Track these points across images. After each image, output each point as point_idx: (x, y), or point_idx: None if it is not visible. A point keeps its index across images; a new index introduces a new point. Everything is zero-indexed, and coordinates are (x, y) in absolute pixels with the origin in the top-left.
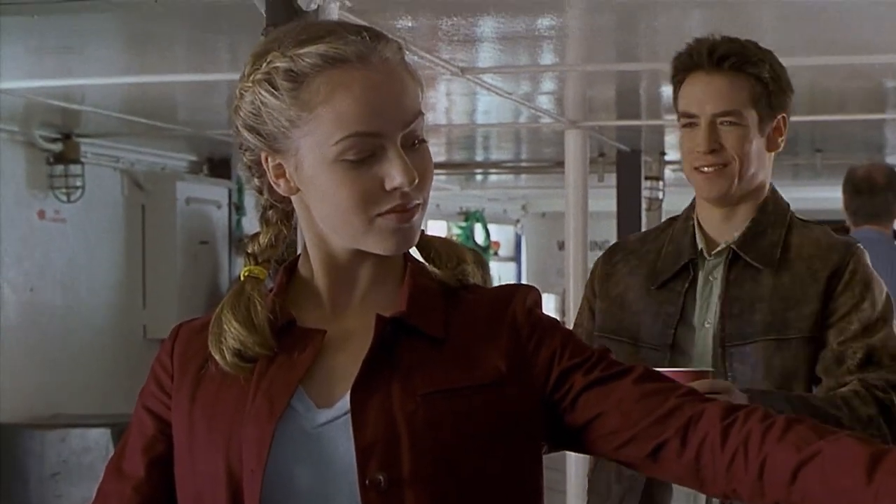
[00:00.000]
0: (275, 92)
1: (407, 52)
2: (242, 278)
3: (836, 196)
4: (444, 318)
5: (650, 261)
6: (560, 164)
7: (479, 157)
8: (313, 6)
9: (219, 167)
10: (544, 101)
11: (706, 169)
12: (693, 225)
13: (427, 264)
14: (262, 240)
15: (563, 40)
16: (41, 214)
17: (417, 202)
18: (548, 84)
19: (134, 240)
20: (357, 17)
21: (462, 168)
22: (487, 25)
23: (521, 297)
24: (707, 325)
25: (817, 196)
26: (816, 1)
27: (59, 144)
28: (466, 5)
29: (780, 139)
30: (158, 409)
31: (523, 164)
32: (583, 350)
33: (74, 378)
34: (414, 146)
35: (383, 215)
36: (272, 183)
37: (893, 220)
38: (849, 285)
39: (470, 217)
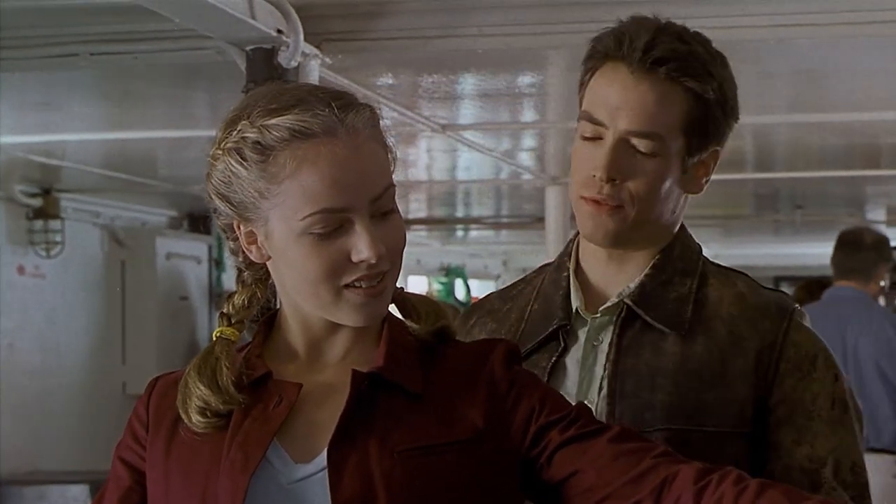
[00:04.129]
0: (244, 163)
1: (385, 111)
2: (214, 339)
3: (817, 252)
4: (422, 374)
5: (511, 323)
6: (541, 219)
7: (460, 213)
8: (293, 64)
9: (199, 223)
10: (525, 158)
11: (597, 201)
12: (567, 276)
13: (405, 321)
14: (237, 301)
15: (544, 98)
16: (21, 270)
17: (385, 270)
18: (528, 141)
19: (113, 295)
20: (338, 75)
21: (443, 224)
22: (468, 83)
23: (500, 351)
24: (590, 403)
25: (798, 252)
26: (798, 59)
27: (39, 200)
28: (447, 63)
29: (704, 180)
30: (133, 460)
31: (504, 220)
32: (561, 406)
33: (53, 434)
34: (384, 216)
35: (350, 288)
36: (244, 249)
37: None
38: (794, 363)
39: (451, 273)
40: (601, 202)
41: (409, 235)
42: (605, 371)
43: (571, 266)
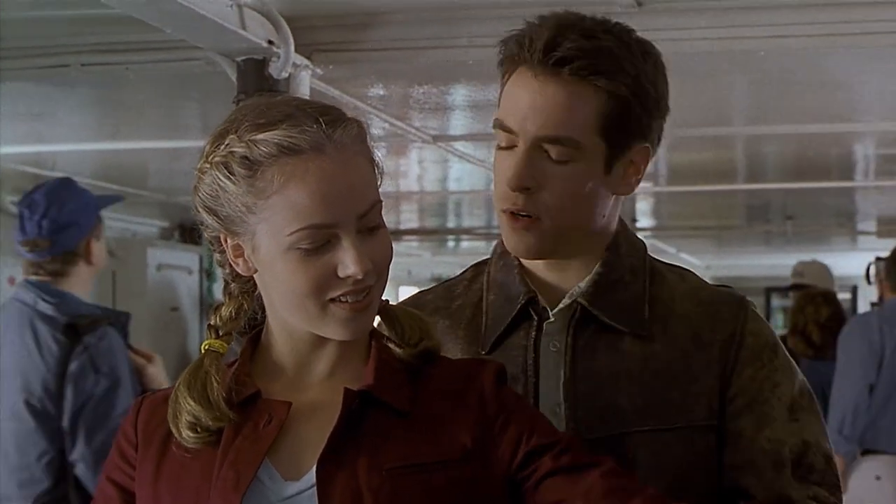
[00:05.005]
0: (231, 177)
1: (376, 122)
2: (202, 352)
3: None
4: (411, 392)
5: (467, 318)
6: None
7: (451, 224)
8: (284, 75)
9: (190, 233)
10: None
11: (514, 214)
12: (517, 262)
13: (389, 344)
14: (224, 313)
15: None
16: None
17: (371, 284)
18: None
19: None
20: (328, 86)
21: (434, 234)
22: (459, 94)
23: (489, 373)
24: (556, 413)
25: (789, 263)
26: (788, 70)
27: None
28: (438, 74)
29: (635, 179)
30: (122, 480)
31: (495, 231)
32: (550, 432)
33: None
34: (371, 231)
35: (336, 302)
36: (231, 262)
37: None
38: (753, 352)
39: None
40: (517, 215)
41: (401, 246)
42: (563, 374)
43: (517, 260)
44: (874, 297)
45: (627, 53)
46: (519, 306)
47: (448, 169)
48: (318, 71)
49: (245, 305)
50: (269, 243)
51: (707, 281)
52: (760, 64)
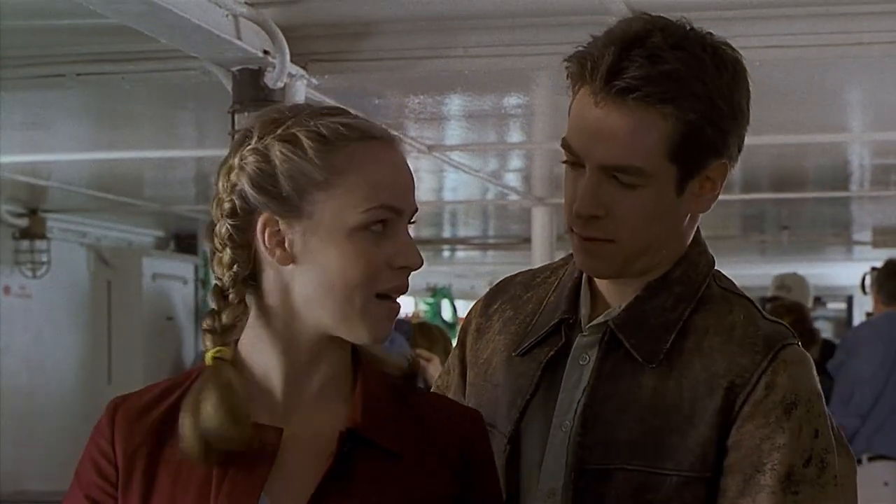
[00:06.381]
0: (299, 152)
1: None
2: (212, 359)
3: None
4: (399, 431)
5: (526, 313)
6: (527, 240)
7: (447, 234)
8: (280, 85)
9: (185, 243)
10: (511, 179)
11: (584, 238)
12: (578, 273)
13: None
14: (226, 319)
15: (530, 118)
16: (7, 290)
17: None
18: (515, 161)
19: (100, 315)
20: (324, 96)
21: (430, 244)
22: (455, 104)
23: (479, 430)
24: (564, 428)
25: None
26: (783, 80)
27: (25, 220)
28: (434, 84)
29: (710, 195)
30: (101, 498)
31: (490, 241)
32: None
33: (39, 454)
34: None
35: (381, 298)
36: (265, 247)
37: None
38: (761, 408)
39: (437, 293)
40: (587, 243)
41: None
42: (582, 395)
43: None
44: (870, 307)
45: (699, 72)
46: (553, 323)
47: (443, 179)
48: (314, 81)
49: (245, 313)
50: (331, 223)
51: (762, 314)
52: (756, 74)
